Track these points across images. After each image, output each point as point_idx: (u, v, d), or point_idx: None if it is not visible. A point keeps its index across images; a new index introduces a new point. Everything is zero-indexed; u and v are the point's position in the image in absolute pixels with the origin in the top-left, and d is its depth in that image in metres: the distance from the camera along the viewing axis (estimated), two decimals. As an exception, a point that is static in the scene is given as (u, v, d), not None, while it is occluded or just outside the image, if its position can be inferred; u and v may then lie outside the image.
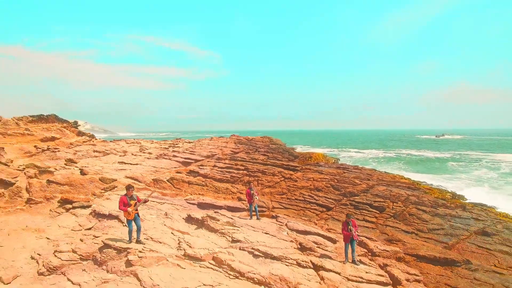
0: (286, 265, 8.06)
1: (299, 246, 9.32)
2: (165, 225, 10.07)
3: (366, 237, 11.50)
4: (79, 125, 27.18)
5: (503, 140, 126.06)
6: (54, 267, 7.77)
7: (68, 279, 7.42)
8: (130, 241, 8.34)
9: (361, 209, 16.45)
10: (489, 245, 14.21)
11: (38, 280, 7.50)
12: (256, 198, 11.71)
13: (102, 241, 8.33)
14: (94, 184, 14.26)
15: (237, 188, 17.30)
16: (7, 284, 7.28)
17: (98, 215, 11.16)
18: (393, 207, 17.09)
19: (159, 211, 12.01)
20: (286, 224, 11.49)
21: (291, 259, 8.30)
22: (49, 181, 13.40)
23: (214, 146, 28.45)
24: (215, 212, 12.12)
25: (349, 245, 8.95)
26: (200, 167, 20.89)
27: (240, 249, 8.48)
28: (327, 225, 13.79)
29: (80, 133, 26.59)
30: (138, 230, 8.28)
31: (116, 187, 14.51)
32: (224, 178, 18.63)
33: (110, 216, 10.82)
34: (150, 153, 24.23)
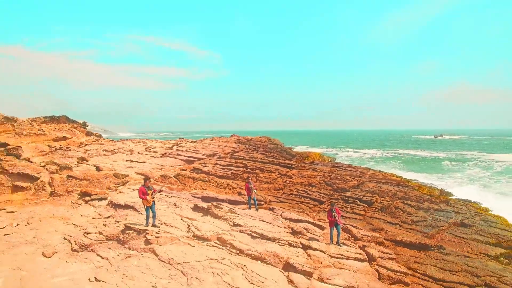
0: (279, 244, 9.59)
1: (291, 231, 10.86)
2: (175, 213, 11.61)
3: (352, 226, 13.04)
4: (88, 126, 28.68)
5: (501, 140, 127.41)
6: (85, 245, 9.31)
7: (98, 255, 8.95)
8: (147, 224, 9.87)
9: (351, 203, 17.97)
10: (465, 234, 15.71)
11: (73, 255, 9.03)
12: (254, 191, 13.23)
13: (124, 224, 9.88)
14: (108, 179, 15.79)
15: (237, 184, 18.83)
16: (49, 257, 8.81)
17: (115, 206, 12.70)
18: (381, 201, 18.61)
19: (168, 202, 13.51)
20: (281, 214, 13.02)
21: (284, 240, 9.84)
22: (69, 176, 14.93)
23: (215, 145, 29.97)
24: (217, 204, 13.65)
25: (334, 229, 10.48)
26: (203, 165, 22.41)
27: (240, 231, 10.03)
28: (319, 216, 15.30)
29: (89, 133, 28.13)
30: (154, 215, 9.82)
31: (128, 182, 16.04)
32: (225, 174, 20.17)
33: (126, 206, 12.34)
34: (155, 152, 25.75)
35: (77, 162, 19.70)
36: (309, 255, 9.28)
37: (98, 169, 16.42)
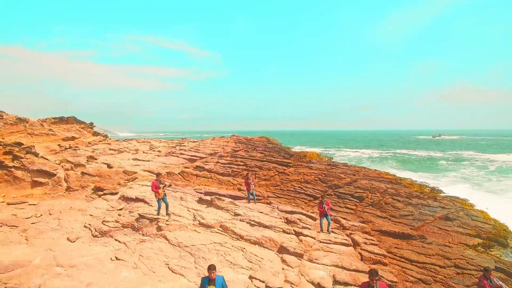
0: (274, 231, 10.90)
1: (285, 221, 12.16)
2: (181, 205, 12.91)
3: (341, 217, 14.34)
4: (94, 126, 29.98)
5: (498, 141, 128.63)
6: (104, 231, 10.61)
7: (116, 239, 10.24)
8: (158, 214, 11.18)
9: (344, 198, 19.27)
10: (448, 227, 17.00)
11: (94, 240, 10.32)
12: (252, 185, 14.53)
13: (138, 213, 11.18)
14: (119, 175, 17.09)
15: (237, 181, 20.14)
16: (73, 242, 10.10)
17: (126, 199, 13.99)
18: (372, 197, 19.90)
19: (174, 197, 14.80)
20: (277, 207, 14.32)
21: (279, 228, 11.14)
22: (82, 173, 16.23)
23: (216, 145, 31.27)
24: (219, 197, 14.95)
25: (324, 219, 11.77)
26: (205, 163, 23.72)
27: (240, 220, 11.33)
28: (313, 210, 16.60)
29: (95, 133, 29.42)
30: (167, 206, 11.14)
31: (137, 178, 17.34)
32: (226, 172, 21.47)
33: (137, 199, 13.64)
34: (159, 151, 27.06)
35: (87, 160, 20.98)
36: (300, 240, 10.58)
37: (109, 166, 17.72)
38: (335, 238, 11.07)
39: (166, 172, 19.28)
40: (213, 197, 13.31)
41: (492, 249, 15.02)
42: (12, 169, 14.93)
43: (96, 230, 10.71)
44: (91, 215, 12.56)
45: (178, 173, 19.48)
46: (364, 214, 17.92)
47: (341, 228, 12.89)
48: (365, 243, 11.07)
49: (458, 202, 21.87)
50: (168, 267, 8.47)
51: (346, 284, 7.80)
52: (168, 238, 10.00)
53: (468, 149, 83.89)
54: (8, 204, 13.26)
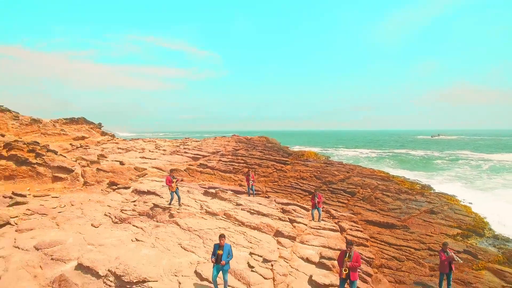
0: (271, 219, 12.48)
1: (281, 210, 13.74)
2: (189, 197, 14.50)
3: (332, 209, 15.91)
4: (103, 126, 31.55)
5: (496, 140, 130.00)
6: (123, 218, 12.20)
7: (134, 225, 11.82)
8: (170, 204, 12.77)
9: (337, 193, 20.84)
10: (432, 219, 18.55)
11: (114, 225, 11.91)
12: (251, 181, 16.10)
13: (152, 203, 12.77)
14: (130, 172, 18.68)
15: (238, 177, 21.73)
16: (97, 227, 11.68)
17: (138, 192, 15.58)
18: (363, 192, 21.46)
19: (181, 190, 16.34)
20: (274, 200, 15.91)
21: (275, 216, 12.72)
22: (98, 169, 17.82)
23: (218, 144, 32.84)
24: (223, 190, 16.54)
25: (315, 210, 13.32)
26: (208, 161, 25.30)
27: (241, 209, 12.92)
28: (307, 203, 18.15)
29: (103, 133, 31.02)
30: (179, 198, 12.74)
31: (146, 174, 18.93)
32: (228, 169, 23.06)
33: (149, 192, 15.23)
34: (164, 150, 28.65)
35: (97, 158, 22.59)
36: (294, 227, 12.16)
37: (121, 163, 19.32)
38: (324, 225, 12.65)
39: (174, 169, 20.85)
40: (217, 189, 14.91)
41: (469, 238, 16.58)
42: (35, 166, 16.53)
43: (116, 218, 12.30)
44: (109, 206, 14.15)
45: (184, 170, 21.06)
46: (355, 207, 19.49)
47: (331, 217, 14.47)
48: (351, 229, 12.64)
49: (444, 197, 23.41)
50: (181, 246, 10.05)
51: (330, 258, 9.35)
52: (179, 224, 11.58)
53: (464, 149, 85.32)
54: (34, 196, 14.85)
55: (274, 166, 24.11)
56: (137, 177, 18.37)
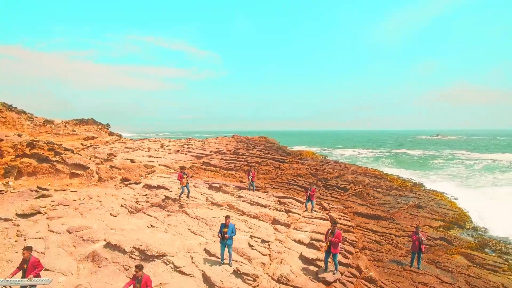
0: (269, 209, 14.09)
1: (278, 202, 15.36)
2: (196, 191, 16.12)
3: (325, 202, 17.52)
4: (110, 127, 33.19)
5: (495, 140, 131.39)
6: (137, 209, 13.82)
7: (148, 214, 13.44)
8: (180, 196, 14.39)
9: (331, 189, 22.43)
10: (418, 213, 20.10)
11: (131, 215, 13.52)
12: (250, 176, 17.71)
13: (163, 195, 14.39)
14: (140, 169, 20.30)
15: (239, 174, 23.34)
16: (115, 216, 13.29)
17: (149, 187, 17.20)
18: (355, 188, 23.04)
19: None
20: (272, 194, 17.51)
21: (273, 207, 14.34)
22: (111, 166, 19.44)
23: (219, 144, 34.47)
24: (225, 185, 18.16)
25: (309, 203, 14.92)
26: (210, 159, 26.93)
27: (242, 201, 14.54)
28: (303, 197, 19.75)
29: (111, 133, 32.65)
30: (188, 192, 14.37)
31: (155, 171, 20.55)
32: (229, 167, 24.67)
33: (159, 187, 16.84)
34: (169, 149, 30.27)
35: (107, 157, 24.20)
36: (289, 216, 13.77)
37: (132, 161, 20.94)
38: (316, 215, 14.26)
39: (179, 167, 22.49)
40: (220, 184, 16.54)
41: (451, 230, 18.16)
42: (55, 163, 18.16)
43: (131, 208, 13.93)
44: (124, 199, 15.77)
45: (189, 167, 22.68)
46: (347, 202, 21.06)
47: (323, 209, 16.08)
48: (340, 218, 14.23)
49: (432, 194, 24.98)
50: (191, 231, 11.67)
51: (318, 241, 10.94)
52: (188, 213, 13.20)
53: (462, 149, 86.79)
54: (55, 190, 16.47)
55: (273, 164, 25.74)
56: (146, 173, 19.99)
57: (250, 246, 10.24)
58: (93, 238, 10.45)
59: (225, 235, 8.56)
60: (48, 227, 11.55)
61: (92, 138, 29.53)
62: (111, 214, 13.46)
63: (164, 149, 30.61)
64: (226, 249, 8.93)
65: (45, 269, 8.24)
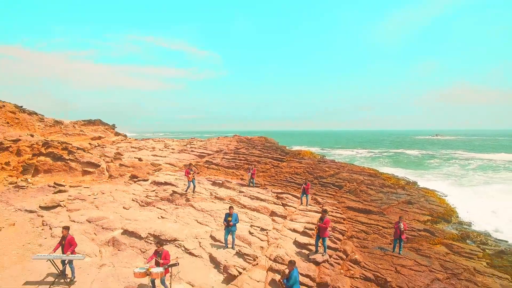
0: (267, 203, 15.44)
1: (276, 197, 16.71)
2: (200, 186, 17.48)
3: (319, 197, 18.85)
4: (116, 127, 34.54)
5: (493, 141, 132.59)
6: (148, 202, 15.18)
7: (157, 207, 14.78)
8: (186, 191, 15.73)
9: (326, 186, 23.77)
10: (408, 208, 21.40)
11: (142, 208, 14.87)
12: (250, 173, 19.07)
13: (171, 190, 15.73)
14: (147, 167, 21.65)
15: (240, 172, 24.70)
16: (128, 209, 14.63)
17: (157, 183, 18.55)
18: (349, 186, 24.38)
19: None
20: (271, 190, 18.86)
21: (271, 201, 15.68)
22: (120, 164, 20.79)
23: (221, 143, 35.83)
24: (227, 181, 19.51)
25: (304, 197, 16.26)
26: (213, 158, 28.28)
27: (243, 196, 15.90)
28: (299, 193, 21.09)
29: (117, 134, 34.02)
30: (194, 187, 15.72)
31: (161, 169, 21.89)
32: (231, 166, 26.03)
33: (166, 183, 18.19)
34: (173, 149, 31.63)
35: (115, 156, 25.53)
36: (286, 209, 15.12)
37: (139, 159, 22.29)
38: (310, 208, 15.62)
39: (183, 165, 23.86)
40: (223, 181, 17.89)
41: (438, 224, 19.50)
42: (68, 161, 19.51)
43: (142, 202, 15.28)
44: (134, 194, 17.12)
45: (193, 166, 24.04)
46: (341, 198, 22.38)
47: (317, 203, 17.42)
48: (332, 211, 15.58)
49: (423, 191, 26.31)
50: (197, 221, 13.02)
51: (311, 229, 12.28)
52: (194, 206, 14.55)
53: (459, 149, 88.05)
54: (70, 186, 17.82)
55: (272, 163, 27.09)
56: (153, 171, 21.34)
57: (250, 233, 11.59)
58: (111, 227, 11.81)
59: (230, 222, 9.90)
60: (70, 217, 12.91)
61: (99, 138, 30.88)
62: (124, 207, 14.80)
63: (168, 148, 31.96)
64: (229, 235, 10.28)
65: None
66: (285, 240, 11.41)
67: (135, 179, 19.64)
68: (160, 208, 14.63)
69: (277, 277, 8.34)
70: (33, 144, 19.48)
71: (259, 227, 12.20)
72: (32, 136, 23.38)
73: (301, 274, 8.63)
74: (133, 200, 15.82)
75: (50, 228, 11.90)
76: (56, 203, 14.13)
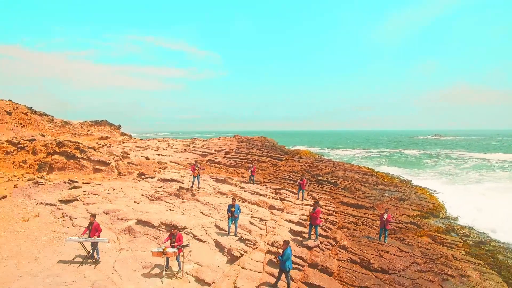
0: (266, 198, 16.79)
1: (274, 192, 18.06)
2: (204, 183, 18.85)
3: (315, 193, 20.20)
4: (122, 128, 35.90)
5: (492, 141, 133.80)
6: (157, 197, 16.54)
7: (166, 201, 16.14)
8: (192, 187, 17.09)
9: (322, 184, 25.11)
10: (399, 204, 22.70)
11: (151, 202, 16.22)
12: (250, 170, 20.43)
13: (178, 186, 17.09)
14: (154, 165, 23.01)
15: (241, 171, 26.06)
16: (138, 203, 15.98)
17: (163, 180, 19.90)
18: (344, 183, 25.72)
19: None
20: (270, 186, 20.22)
21: (269, 196, 17.04)
22: (129, 163, 22.15)
23: (222, 143, 37.19)
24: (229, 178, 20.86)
25: (300, 192, 17.61)
26: (214, 157, 29.63)
27: (244, 191, 17.26)
28: (296, 190, 22.44)
29: (122, 134, 35.39)
30: (198, 182, 17.07)
31: (167, 167, 23.25)
32: (232, 164, 27.38)
33: (172, 180, 19.55)
34: (176, 148, 32.98)
35: (122, 155, 26.88)
36: (283, 203, 16.48)
37: (146, 158, 23.66)
38: (306, 202, 16.97)
39: (187, 163, 25.22)
40: (225, 178, 19.26)
41: (426, 219, 20.81)
42: (80, 159, 20.88)
43: (151, 196, 16.64)
44: (143, 190, 18.48)
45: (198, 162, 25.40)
46: (336, 195, 23.72)
47: (313, 198, 18.78)
48: (326, 205, 16.94)
49: (415, 188, 27.65)
50: (203, 213, 14.37)
51: (305, 220, 13.62)
52: (199, 200, 15.91)
53: (456, 149, 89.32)
54: (83, 183, 19.18)
55: (271, 162, 28.45)
56: (159, 169, 22.69)
57: (251, 223, 12.94)
58: (125, 217, 13.17)
59: (234, 213, 11.26)
60: (87, 210, 14.26)
61: (106, 138, 32.25)
62: (135, 201, 16.15)
63: (171, 148, 33.32)
64: (232, 224, 11.63)
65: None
66: (282, 229, 12.76)
67: (143, 176, 20.99)
68: (168, 202, 15.98)
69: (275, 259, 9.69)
70: (48, 143, 20.84)
71: (258, 218, 13.55)
72: (43, 136, 24.78)
73: (295, 256, 9.98)
74: (142, 195, 17.17)
75: (71, 219, 13.25)
76: (73, 198, 15.48)
